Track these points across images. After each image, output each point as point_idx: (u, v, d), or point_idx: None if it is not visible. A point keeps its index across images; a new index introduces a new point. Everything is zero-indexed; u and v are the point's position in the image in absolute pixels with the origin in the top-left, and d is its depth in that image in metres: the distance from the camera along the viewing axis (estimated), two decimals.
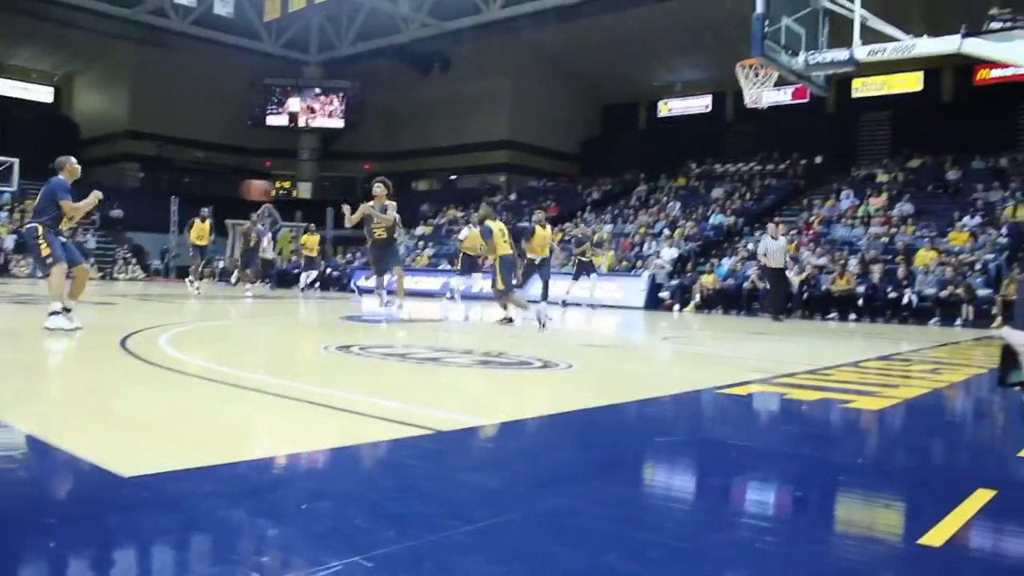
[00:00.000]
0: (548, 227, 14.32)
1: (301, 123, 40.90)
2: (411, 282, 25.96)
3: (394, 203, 12.01)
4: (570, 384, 6.34)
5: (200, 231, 19.64)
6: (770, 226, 17.31)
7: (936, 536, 2.63)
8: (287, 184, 42.67)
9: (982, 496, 3.11)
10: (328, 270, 29.96)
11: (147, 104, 38.38)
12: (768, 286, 17.51)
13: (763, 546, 2.59)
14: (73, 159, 8.69)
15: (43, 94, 41.53)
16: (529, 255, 13.51)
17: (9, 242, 30.49)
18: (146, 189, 38.71)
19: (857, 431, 5.00)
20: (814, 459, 4.07)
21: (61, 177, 8.46)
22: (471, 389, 5.86)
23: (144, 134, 39.08)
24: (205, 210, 19.96)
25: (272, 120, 40.78)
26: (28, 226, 8.67)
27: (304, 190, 42.49)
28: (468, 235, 16.47)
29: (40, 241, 8.29)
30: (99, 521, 2.58)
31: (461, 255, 16.82)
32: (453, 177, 41.00)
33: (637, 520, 2.84)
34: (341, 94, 40.65)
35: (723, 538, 2.68)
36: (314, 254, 23.96)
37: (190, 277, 19.98)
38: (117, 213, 34.89)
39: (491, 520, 2.72)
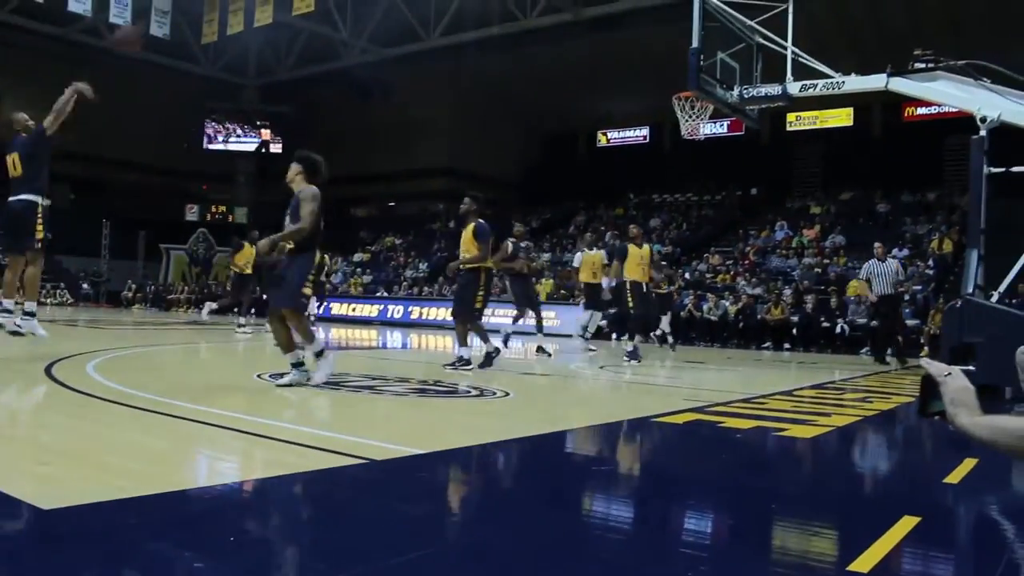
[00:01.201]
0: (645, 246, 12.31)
1: (238, 147, 40.44)
2: (347, 309, 25.85)
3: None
4: (506, 413, 6.31)
5: (248, 256, 16.32)
6: (876, 245, 14.07)
7: (864, 563, 2.66)
8: (223, 208, 42.07)
9: (908, 523, 3.16)
10: (264, 296, 29.53)
11: (78, 124, 37.49)
12: (875, 320, 15.13)
13: (696, 575, 2.60)
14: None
15: None
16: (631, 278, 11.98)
17: None
18: (77, 211, 37.82)
19: (790, 459, 5.06)
20: (748, 487, 4.10)
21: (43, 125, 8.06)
22: (406, 418, 5.80)
23: (76, 155, 38.20)
24: (255, 232, 16.53)
25: (209, 143, 40.27)
26: (25, 198, 7.82)
27: (240, 214, 41.94)
28: (583, 259, 14.00)
29: (39, 220, 7.71)
30: (15, 556, 2.48)
31: (583, 286, 14.29)
32: (392, 204, 40.87)
33: (570, 550, 2.83)
34: (279, 118, 40.31)
35: (657, 569, 2.68)
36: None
37: (239, 320, 16.49)
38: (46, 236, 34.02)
39: (424, 551, 2.69)
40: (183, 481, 3.56)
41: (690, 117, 12.02)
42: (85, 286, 34.10)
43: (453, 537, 2.91)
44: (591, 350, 13.44)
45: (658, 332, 14.40)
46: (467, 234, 9.16)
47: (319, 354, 6.84)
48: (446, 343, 15.07)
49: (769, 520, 3.45)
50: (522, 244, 12.19)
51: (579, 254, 14.02)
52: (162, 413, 5.08)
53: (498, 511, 3.35)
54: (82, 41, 33.28)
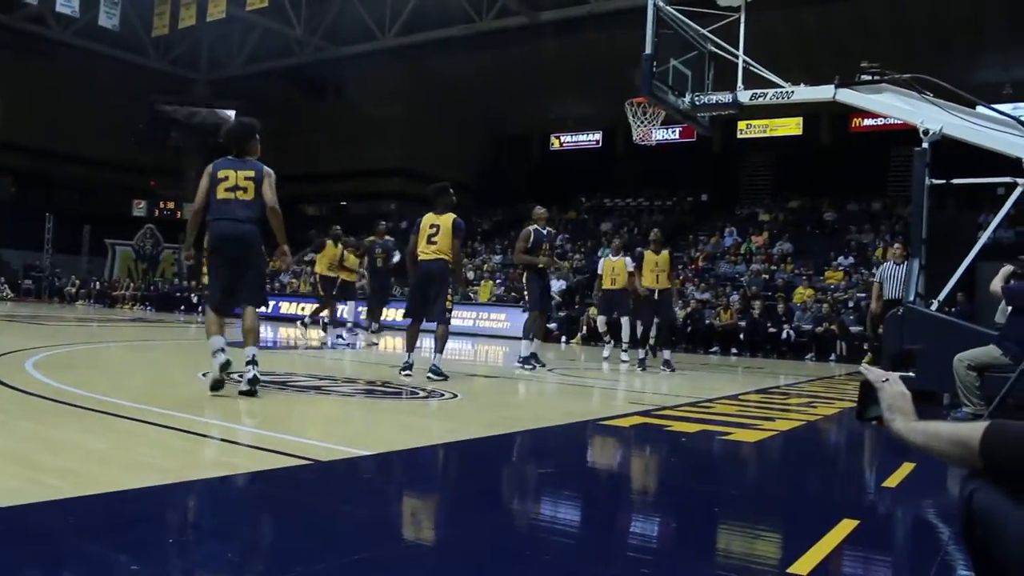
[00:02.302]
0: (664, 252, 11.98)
1: (187, 142, 39.82)
2: (296, 308, 25.58)
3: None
4: (453, 414, 6.30)
5: (333, 256, 13.89)
6: (896, 246, 12.53)
7: (803, 565, 2.70)
8: (171, 204, 41.38)
9: (847, 525, 3.22)
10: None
11: (22, 115, 36.63)
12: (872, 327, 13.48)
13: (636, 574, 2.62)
14: None
15: None
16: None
17: None
18: (19, 204, 36.92)
19: (734, 462, 5.13)
20: (692, 490, 4.15)
21: None
22: (352, 418, 5.76)
23: (18, 146, 37.31)
24: (337, 228, 14.61)
25: (158, 138, 39.57)
26: None
27: (189, 211, 41.31)
28: (604, 265, 13.04)
29: None
30: None
31: (600, 292, 13.24)
32: (344, 203, 40.58)
33: (514, 553, 2.83)
34: (230, 114, 39.77)
35: (601, 570, 2.69)
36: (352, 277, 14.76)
37: (324, 320, 14.23)
38: None
39: (367, 552, 2.67)
40: (122, 482, 3.49)
41: (642, 123, 12.11)
42: (27, 281, 33.31)
43: (397, 538, 2.90)
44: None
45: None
46: (446, 226, 8.21)
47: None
48: (396, 344, 14.98)
49: (712, 522, 3.49)
50: (545, 231, 10.93)
51: (601, 260, 13.50)
52: (103, 412, 4.99)
53: (442, 513, 3.35)
54: (27, 30, 32.51)
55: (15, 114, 36.91)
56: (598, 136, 36.29)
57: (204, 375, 7.43)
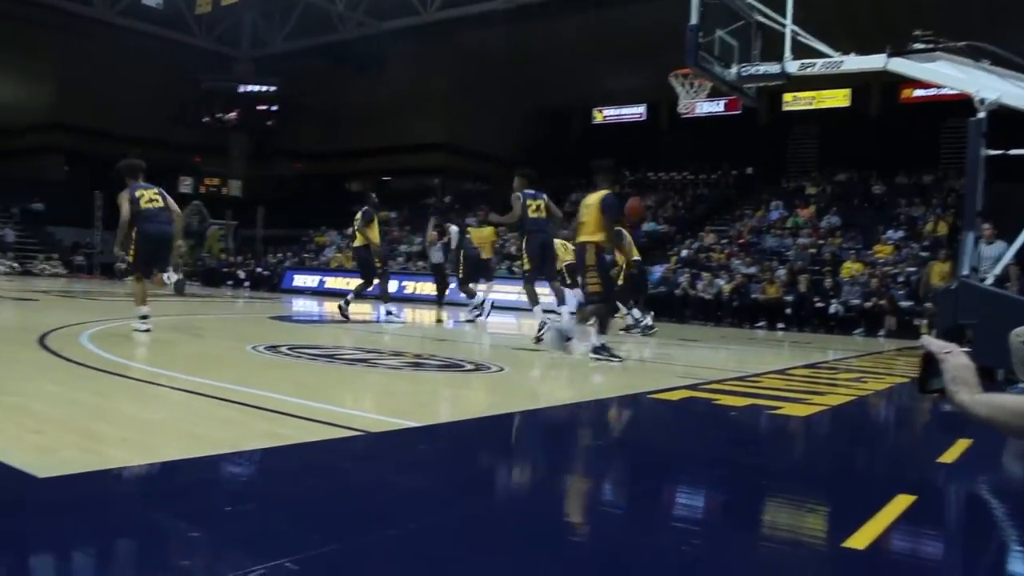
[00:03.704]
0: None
1: (231, 120, 40.18)
2: (342, 283, 25.79)
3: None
4: (501, 387, 6.31)
5: (483, 237, 13.99)
6: (985, 227, 10.69)
7: (859, 539, 2.66)
8: (217, 181, 41.83)
9: (903, 501, 3.17)
10: (259, 270, 29.54)
11: (72, 95, 37.19)
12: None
13: (690, 550, 2.60)
14: None
15: None
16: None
17: None
18: (70, 183, 37.52)
19: (784, 437, 5.07)
20: (742, 464, 4.11)
21: None
22: (401, 391, 5.79)
23: (68, 126, 37.90)
24: (491, 214, 14.02)
25: (202, 116, 39.97)
26: None
27: (235, 188, 41.74)
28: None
29: None
30: (11, 524, 2.47)
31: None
32: (387, 179, 40.70)
33: (565, 525, 2.83)
34: (273, 91, 40.02)
35: (651, 542, 2.68)
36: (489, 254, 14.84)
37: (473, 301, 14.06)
38: (38, 206, 33.84)
39: (418, 523, 2.68)
40: (178, 452, 3.55)
41: (687, 94, 11.97)
42: (78, 257, 33.88)
43: (448, 509, 2.90)
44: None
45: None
46: (594, 203, 7.92)
47: None
48: (439, 317, 15.03)
49: (764, 497, 3.45)
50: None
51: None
52: (157, 384, 5.07)
53: (492, 484, 3.35)
54: (71, 10, 32.90)
55: (65, 95, 37.51)
56: (642, 109, 35.98)
57: (254, 348, 7.54)
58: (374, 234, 12.83)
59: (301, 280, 28.34)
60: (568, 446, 4.43)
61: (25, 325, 9.52)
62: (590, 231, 7.86)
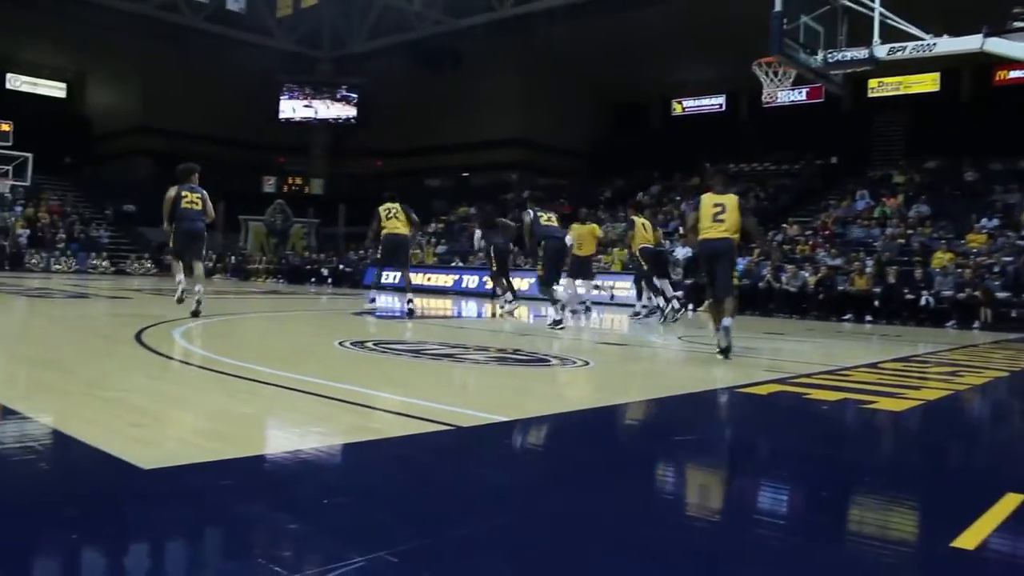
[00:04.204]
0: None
1: (313, 120, 40.92)
2: (422, 278, 26.06)
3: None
4: (588, 381, 6.28)
5: (583, 235, 13.68)
6: None
7: (968, 539, 2.56)
8: (299, 180, 42.66)
9: (1012, 500, 3.04)
10: (341, 266, 30.01)
11: (159, 99, 38.41)
12: None
13: (795, 548, 2.54)
14: None
15: (56, 90, 41.65)
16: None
17: (24, 236, 30.67)
18: (158, 184, 38.61)
19: (881, 432, 4.93)
20: (840, 460, 4.00)
21: None
22: (488, 385, 5.81)
23: (156, 129, 39.10)
24: (583, 210, 15.31)
25: (285, 116, 40.81)
26: None
27: (316, 186, 42.51)
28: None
29: None
30: (121, 513, 2.55)
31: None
32: (465, 174, 40.94)
33: (657, 519, 2.79)
34: (353, 91, 40.63)
35: (747, 540, 2.62)
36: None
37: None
38: (129, 208, 34.97)
39: (510, 517, 2.68)
40: (273, 445, 3.62)
41: (771, 83, 11.75)
42: (167, 256, 34.95)
43: (541, 504, 2.89)
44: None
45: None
46: (732, 205, 8.22)
47: None
48: (520, 312, 15.06)
49: (867, 495, 3.35)
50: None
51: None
52: (248, 378, 5.17)
53: (584, 479, 3.32)
54: (159, 17, 33.90)
55: (152, 99, 38.75)
56: (721, 100, 35.50)
57: (340, 343, 7.65)
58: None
59: (383, 276, 28.66)
60: (658, 441, 4.37)
61: (121, 322, 9.85)
62: (733, 230, 8.16)
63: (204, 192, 10.71)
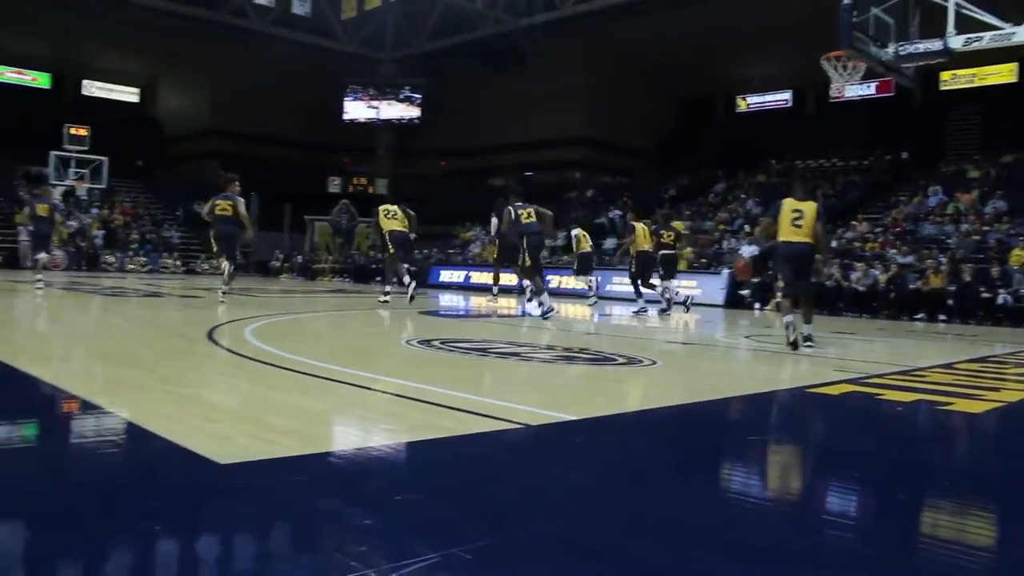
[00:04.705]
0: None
1: (377, 120, 41.34)
2: (487, 277, 26.14)
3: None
4: (656, 380, 6.23)
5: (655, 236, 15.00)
6: None
7: None
8: (364, 180, 43.15)
9: None
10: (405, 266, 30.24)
11: (228, 103, 39.25)
12: None
13: (886, 554, 2.48)
14: None
15: (129, 95, 42.85)
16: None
17: (100, 237, 31.56)
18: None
19: (961, 435, 4.80)
20: (916, 462, 3.91)
21: None
22: (557, 384, 5.80)
23: (224, 132, 39.94)
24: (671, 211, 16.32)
25: (349, 117, 41.30)
26: None
27: (381, 186, 42.93)
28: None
29: None
30: (200, 506, 2.60)
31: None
32: (529, 173, 40.97)
33: (733, 520, 2.75)
34: (416, 91, 40.95)
35: (825, 542, 2.56)
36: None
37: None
38: (199, 208, 35.76)
39: (585, 516, 2.66)
40: (345, 441, 3.66)
41: (840, 77, 11.53)
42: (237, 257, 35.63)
43: (614, 502, 2.87)
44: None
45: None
46: (811, 212, 8.61)
47: None
48: (585, 311, 15.04)
49: (951, 498, 3.26)
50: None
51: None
52: (318, 376, 5.24)
53: (658, 479, 3.29)
54: (227, 22, 34.59)
55: (221, 102, 39.61)
56: (787, 95, 34.97)
57: (407, 342, 7.70)
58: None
59: (447, 275, 28.90)
60: (732, 441, 4.31)
61: (194, 321, 10.06)
62: (810, 235, 8.59)
63: (238, 199, 12.34)
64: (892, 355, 9.52)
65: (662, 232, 15.06)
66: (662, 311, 14.68)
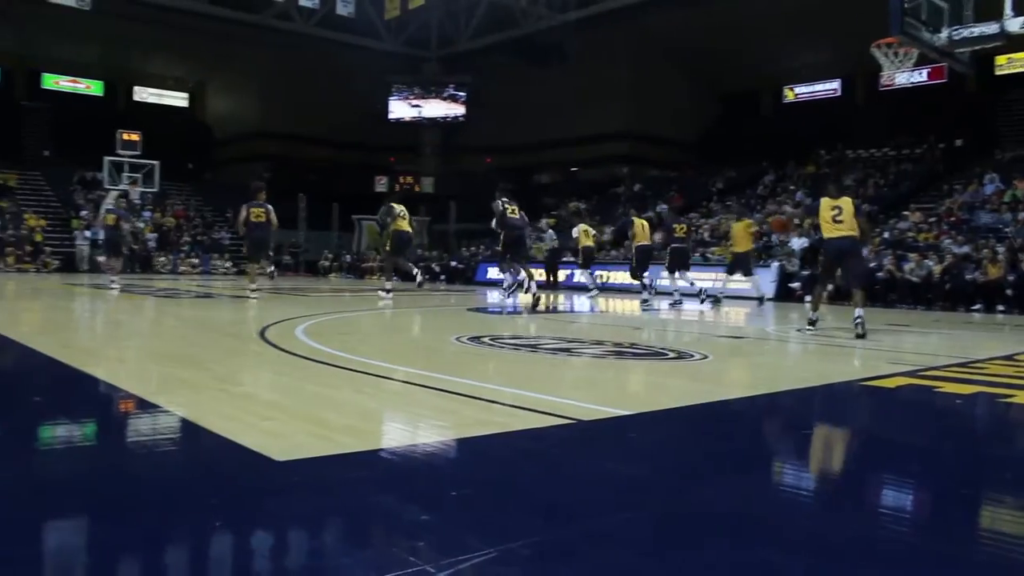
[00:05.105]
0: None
1: (422, 119, 41.53)
2: (535, 274, 26.10)
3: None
4: (708, 375, 6.17)
5: (739, 231, 15.88)
6: None
7: None
8: (410, 179, 43.40)
9: None
10: (453, 263, 30.37)
11: (274, 105, 39.70)
12: None
13: (955, 550, 2.43)
14: None
15: (179, 99, 43.61)
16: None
17: (152, 240, 32.13)
18: (275, 187, 39.83)
19: (1022, 427, 4.69)
20: (978, 455, 3.82)
21: None
22: (607, 379, 5.77)
23: (272, 134, 40.42)
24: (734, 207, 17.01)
25: (394, 117, 41.55)
26: None
27: (427, 184, 43.17)
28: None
29: None
30: (259, 502, 2.62)
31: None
32: (575, 169, 40.87)
33: (788, 515, 2.71)
34: (461, 89, 41.06)
35: (889, 537, 2.52)
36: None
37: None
38: None
39: (640, 511, 2.65)
40: (399, 438, 3.68)
41: (892, 64, 11.31)
42: (286, 257, 35.99)
43: (670, 497, 2.85)
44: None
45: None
46: (848, 208, 9.08)
47: None
48: (633, 306, 14.96)
49: (1011, 491, 3.18)
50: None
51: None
52: (371, 374, 5.28)
53: (715, 473, 3.26)
54: (273, 25, 34.98)
55: (268, 104, 40.09)
56: (836, 84, 34.44)
57: (457, 339, 7.73)
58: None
59: (494, 272, 28.92)
60: (788, 435, 4.26)
61: (246, 321, 10.19)
62: (852, 228, 9.03)
63: (268, 206, 13.68)
64: (949, 347, 9.34)
65: (674, 226, 15.62)
66: (673, 303, 15.04)
